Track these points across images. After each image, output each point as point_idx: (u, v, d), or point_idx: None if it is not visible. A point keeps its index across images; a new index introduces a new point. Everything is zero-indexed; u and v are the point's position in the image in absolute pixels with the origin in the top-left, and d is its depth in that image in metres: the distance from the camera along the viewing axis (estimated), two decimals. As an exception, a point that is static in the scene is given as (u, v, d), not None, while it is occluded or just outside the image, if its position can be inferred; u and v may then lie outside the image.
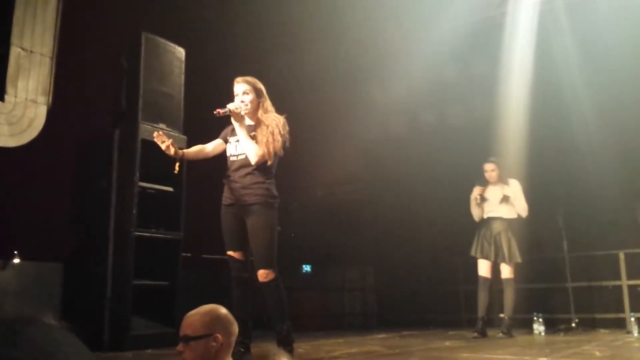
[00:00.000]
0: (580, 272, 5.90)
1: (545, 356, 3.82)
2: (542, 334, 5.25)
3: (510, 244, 5.28)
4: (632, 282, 5.83)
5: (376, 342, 4.88)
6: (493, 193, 5.40)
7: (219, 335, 1.72)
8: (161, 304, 4.58)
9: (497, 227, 5.32)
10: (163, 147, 3.34)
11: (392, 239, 7.27)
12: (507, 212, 5.34)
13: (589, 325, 5.70)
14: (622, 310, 5.75)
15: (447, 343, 4.74)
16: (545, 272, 6.22)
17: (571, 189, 6.11)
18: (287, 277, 6.76)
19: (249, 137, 3.41)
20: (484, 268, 5.35)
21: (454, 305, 6.77)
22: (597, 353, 3.95)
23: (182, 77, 5.09)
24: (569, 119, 6.21)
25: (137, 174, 4.50)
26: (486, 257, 5.32)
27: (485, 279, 5.33)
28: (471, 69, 7.28)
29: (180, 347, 1.73)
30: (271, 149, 3.39)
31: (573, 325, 5.37)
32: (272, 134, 3.43)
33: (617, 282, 5.90)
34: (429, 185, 7.02)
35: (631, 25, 5.97)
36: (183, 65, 5.12)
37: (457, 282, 6.70)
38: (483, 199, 5.38)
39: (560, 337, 5.10)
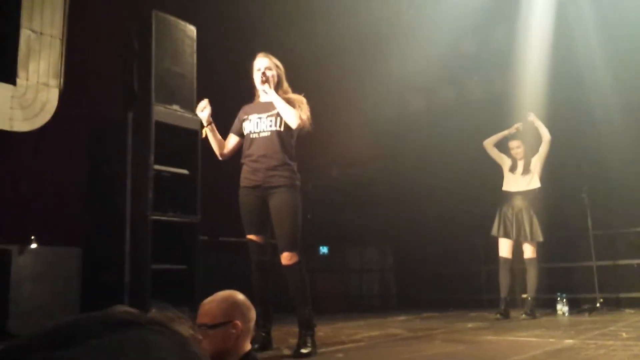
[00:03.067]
0: (604, 251, 5.78)
1: (571, 338, 3.74)
2: (566, 314, 5.16)
3: (532, 222, 5.17)
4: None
5: (397, 325, 4.83)
6: (519, 167, 5.32)
7: (238, 322, 1.68)
8: (180, 288, 4.55)
9: (518, 204, 5.22)
10: (206, 112, 3.35)
11: (410, 219, 7.17)
12: (529, 183, 5.25)
13: (614, 304, 5.59)
14: (648, 289, 5.63)
15: (470, 325, 4.67)
16: (569, 250, 6.11)
17: (595, 165, 5.95)
18: (304, 259, 6.75)
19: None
20: (505, 248, 5.25)
21: (475, 286, 6.68)
22: (624, 334, 3.86)
23: (194, 56, 4.99)
24: (589, 95, 6.04)
25: (152, 157, 4.43)
26: (507, 236, 5.22)
27: (506, 259, 5.24)
28: (489, 41, 7.09)
29: (199, 334, 1.66)
30: (306, 118, 3.34)
31: (597, 305, 5.26)
32: (302, 106, 3.37)
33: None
34: (447, 162, 6.89)
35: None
36: (195, 44, 5.00)
37: (478, 261, 6.60)
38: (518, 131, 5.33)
39: (584, 318, 5.00)
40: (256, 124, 3.40)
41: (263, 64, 3.44)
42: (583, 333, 3.99)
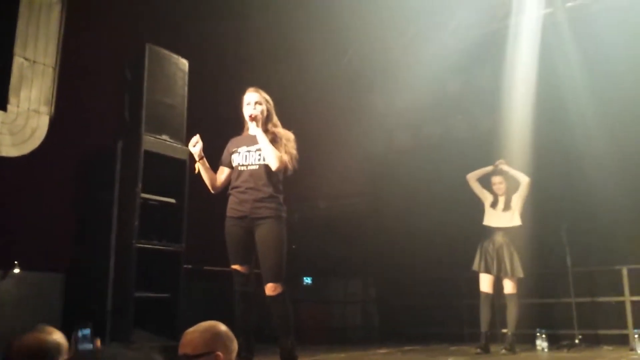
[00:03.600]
0: (583, 288, 5.86)
1: (550, 373, 3.79)
2: (545, 350, 5.20)
3: (512, 258, 5.21)
4: (635, 298, 5.78)
5: (378, 358, 4.84)
6: (500, 203, 5.37)
7: (220, 354, 1.69)
8: (163, 316, 4.56)
9: (499, 239, 5.26)
10: (197, 147, 3.44)
11: (394, 252, 7.23)
12: (510, 220, 5.30)
13: (592, 341, 5.64)
14: (625, 327, 5.70)
15: (450, 359, 4.70)
16: (548, 287, 6.17)
17: (575, 203, 6.07)
18: (288, 289, 6.75)
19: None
20: (485, 283, 5.28)
21: (456, 320, 6.71)
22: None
23: (185, 88, 5.10)
24: (572, 133, 6.19)
25: (140, 185, 4.49)
26: (488, 271, 5.25)
27: (487, 294, 5.27)
28: (474, 81, 7.28)
29: None
30: (292, 158, 3.43)
31: (576, 341, 5.31)
32: (288, 144, 3.45)
33: (621, 298, 5.85)
34: (432, 198, 6.99)
35: (633, 38, 5.98)
36: (186, 77, 5.13)
37: (459, 296, 6.64)
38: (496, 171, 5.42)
39: (563, 354, 5.06)
40: (245, 157, 3.47)
41: (253, 99, 3.53)
42: (561, 369, 4.04)
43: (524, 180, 5.33)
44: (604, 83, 6.11)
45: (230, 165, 3.55)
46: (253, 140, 3.48)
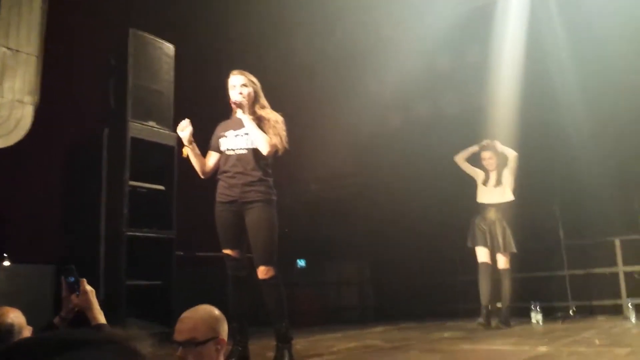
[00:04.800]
0: (576, 260, 5.90)
1: (545, 345, 3.80)
2: (540, 322, 5.22)
3: (505, 234, 5.22)
4: (628, 269, 5.83)
5: (375, 336, 4.85)
6: (491, 179, 5.36)
7: (224, 338, 1.67)
8: (156, 304, 4.53)
9: (491, 215, 5.27)
10: (187, 132, 3.36)
11: (387, 232, 7.23)
12: (502, 196, 5.29)
13: (587, 312, 5.69)
14: (619, 297, 5.75)
15: (446, 334, 4.72)
16: (542, 260, 6.21)
17: (566, 177, 6.08)
18: (282, 273, 6.74)
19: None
20: (483, 255, 5.26)
21: (451, 296, 6.75)
22: (597, 341, 3.94)
23: (172, 73, 5.02)
24: (561, 108, 6.20)
25: (127, 173, 4.43)
26: (484, 245, 5.24)
27: (486, 265, 5.23)
28: (463, 58, 7.24)
29: (181, 352, 1.61)
30: (282, 139, 3.37)
31: (571, 312, 5.36)
32: (277, 126, 3.39)
33: (614, 269, 5.90)
34: (423, 177, 6.98)
35: (621, 14, 5.94)
36: (172, 62, 5.05)
37: (453, 273, 6.67)
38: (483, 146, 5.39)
39: (558, 325, 5.09)
40: (233, 141, 3.42)
41: (238, 82, 3.46)
42: (556, 340, 4.05)
43: (511, 154, 5.31)
44: (590, 58, 6.11)
45: (218, 150, 3.50)
46: (241, 124, 3.43)
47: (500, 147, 5.38)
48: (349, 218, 7.42)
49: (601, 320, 5.26)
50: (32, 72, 4.88)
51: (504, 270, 5.25)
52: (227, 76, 3.55)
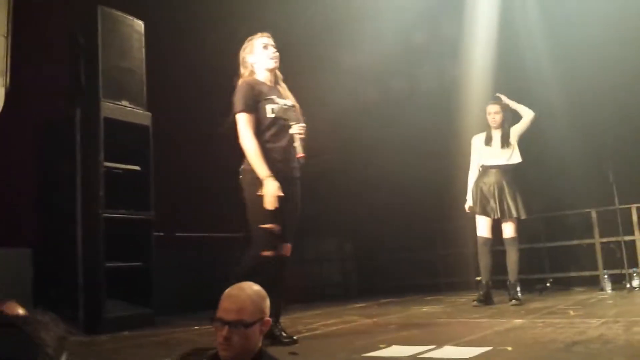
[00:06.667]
0: (554, 232, 5.97)
1: (521, 317, 3.88)
2: (519, 294, 5.29)
3: (515, 198, 4.74)
4: (604, 240, 5.92)
5: (355, 312, 4.90)
6: (495, 138, 4.91)
7: (270, 319, 1.62)
8: (136, 285, 4.52)
9: (499, 178, 4.79)
10: None
11: (367, 208, 7.26)
12: (510, 157, 4.83)
13: (564, 284, 5.79)
14: (596, 268, 5.85)
15: (425, 309, 4.78)
16: (520, 233, 6.28)
17: (542, 151, 6.12)
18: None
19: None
20: (484, 227, 4.81)
21: (432, 271, 6.82)
22: (572, 312, 4.02)
23: (143, 51, 4.92)
24: (534, 82, 6.20)
25: (102, 154, 4.37)
26: (487, 214, 4.79)
27: (486, 239, 4.81)
28: (439, 32, 7.20)
29: (227, 332, 1.52)
30: None
31: (548, 284, 5.44)
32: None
33: (591, 241, 5.99)
34: (401, 152, 6.98)
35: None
36: (143, 39, 4.93)
37: (434, 247, 6.73)
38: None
39: (536, 297, 5.17)
40: (285, 112, 3.23)
41: (270, 42, 3.33)
42: (533, 312, 4.13)
43: (528, 114, 4.88)
44: (561, 30, 6.13)
45: (254, 111, 3.20)
46: (282, 94, 3.31)
47: (514, 104, 4.96)
48: (328, 194, 7.40)
49: (577, 292, 5.36)
50: (1, 53, 4.75)
51: (510, 239, 4.79)
52: (245, 38, 3.40)
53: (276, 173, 3.12)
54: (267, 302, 1.61)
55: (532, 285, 5.63)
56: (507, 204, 4.74)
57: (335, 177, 7.58)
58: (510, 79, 6.23)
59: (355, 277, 7.46)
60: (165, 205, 5.05)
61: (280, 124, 3.22)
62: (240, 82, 3.32)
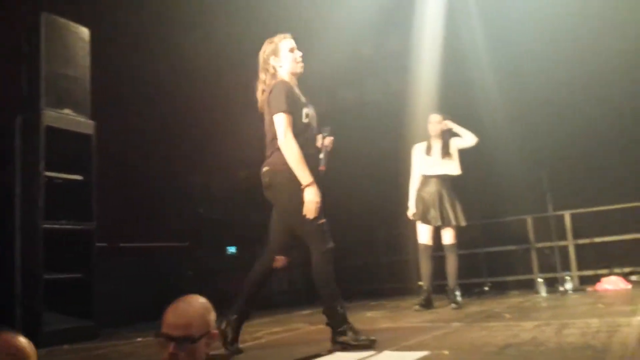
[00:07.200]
0: (491, 238, 6.19)
1: (459, 321, 3.99)
2: (459, 298, 5.46)
3: (454, 206, 4.93)
4: (539, 245, 6.18)
5: (300, 319, 4.94)
6: (435, 148, 5.05)
7: (216, 331, 1.59)
8: (78, 298, 4.43)
9: (439, 187, 4.96)
10: None
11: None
12: (450, 168, 4.99)
13: (501, 288, 6.01)
14: (531, 272, 6.10)
15: (369, 314, 4.86)
16: (459, 239, 6.48)
17: (480, 158, 6.34)
18: (213, 259, 6.72)
19: None
20: (425, 234, 4.97)
21: (376, 277, 6.94)
22: (507, 315, 4.16)
23: (88, 58, 4.85)
24: (476, 92, 6.45)
25: (43, 163, 4.28)
26: (428, 222, 4.94)
27: (426, 246, 4.96)
28: (387, 44, 7.38)
29: (173, 348, 1.47)
30: None
31: (486, 288, 5.63)
32: None
33: (526, 246, 6.24)
34: (347, 162, 7.09)
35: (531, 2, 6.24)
36: (87, 46, 4.87)
37: (378, 254, 6.86)
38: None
39: (474, 301, 5.34)
40: (313, 118, 3.16)
41: (294, 44, 3.21)
42: (471, 316, 4.26)
43: (472, 140, 5.06)
44: (503, 43, 6.39)
45: (292, 115, 3.06)
46: (307, 98, 3.23)
47: (459, 128, 5.10)
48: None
49: (514, 295, 5.56)
50: (-61, 60, 4.60)
51: (449, 245, 4.97)
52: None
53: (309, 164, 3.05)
54: (213, 315, 1.59)
55: (471, 290, 5.82)
56: (447, 212, 4.91)
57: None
58: (453, 92, 6.45)
59: (302, 285, 7.50)
60: (109, 215, 4.98)
61: (310, 130, 3.13)
62: (279, 81, 3.17)
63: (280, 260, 3.25)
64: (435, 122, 5.06)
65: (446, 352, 2.75)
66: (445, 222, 4.93)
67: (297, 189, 3.00)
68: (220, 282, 6.16)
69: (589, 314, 3.78)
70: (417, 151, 5.17)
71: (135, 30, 6.05)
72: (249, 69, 7.31)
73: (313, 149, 3.09)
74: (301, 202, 3.00)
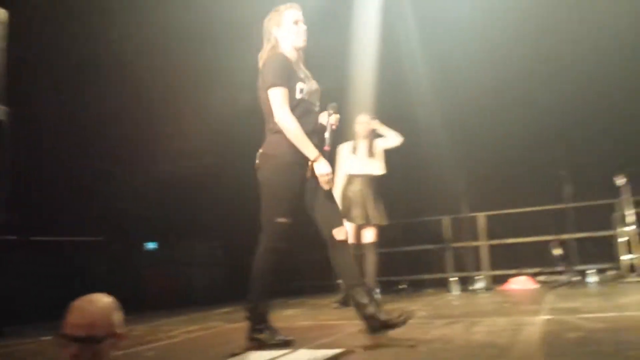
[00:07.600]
0: (410, 238, 6.39)
1: (375, 318, 4.08)
2: (378, 296, 5.60)
3: (376, 205, 5.03)
4: (454, 245, 6.45)
5: (219, 317, 4.90)
6: (361, 148, 5.13)
7: (122, 331, 1.53)
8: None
9: (363, 186, 5.05)
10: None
11: (239, 213, 7.28)
12: (374, 168, 5.09)
13: (418, 286, 6.23)
14: (446, 271, 6.35)
15: (289, 311, 4.89)
16: (380, 237, 6.65)
17: (406, 160, 6.52)
18: (130, 255, 6.54)
19: None
20: (348, 232, 5.14)
21: (297, 275, 6.99)
22: (422, 313, 4.31)
23: (4, 41, 4.58)
24: (407, 94, 6.61)
25: (-53, 152, 4.01)
26: (352, 220, 5.00)
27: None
28: (321, 44, 7.41)
29: (77, 350, 1.43)
30: None
31: (404, 286, 5.80)
32: None
33: (442, 245, 6.49)
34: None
35: (467, 5, 6.46)
36: (4, 28, 4.59)
37: (299, 252, 6.90)
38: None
39: (392, 299, 5.50)
40: (311, 94, 2.94)
41: (301, 16, 2.97)
42: (387, 314, 4.37)
43: (397, 140, 5.12)
44: (437, 48, 6.60)
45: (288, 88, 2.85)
46: (308, 74, 3.02)
47: (384, 128, 5.16)
48: (201, 199, 7.35)
49: (429, 293, 5.77)
50: None
51: (370, 244, 5.05)
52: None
53: (296, 161, 2.89)
54: (119, 315, 1.54)
55: (390, 287, 5.99)
56: (370, 211, 5.00)
57: (209, 181, 7.53)
58: (384, 92, 6.57)
59: (224, 282, 7.45)
60: (21, 207, 4.75)
61: (304, 107, 2.90)
62: (275, 53, 2.95)
63: (341, 232, 3.03)
64: (364, 123, 5.14)
65: (359, 350, 2.82)
66: (367, 221, 5.02)
67: (278, 181, 2.94)
68: (138, 278, 6.02)
69: (496, 313, 3.94)
70: (343, 150, 5.24)
71: (60, 13, 5.78)
72: (182, 65, 7.19)
73: (309, 126, 2.88)
74: (273, 198, 2.96)
